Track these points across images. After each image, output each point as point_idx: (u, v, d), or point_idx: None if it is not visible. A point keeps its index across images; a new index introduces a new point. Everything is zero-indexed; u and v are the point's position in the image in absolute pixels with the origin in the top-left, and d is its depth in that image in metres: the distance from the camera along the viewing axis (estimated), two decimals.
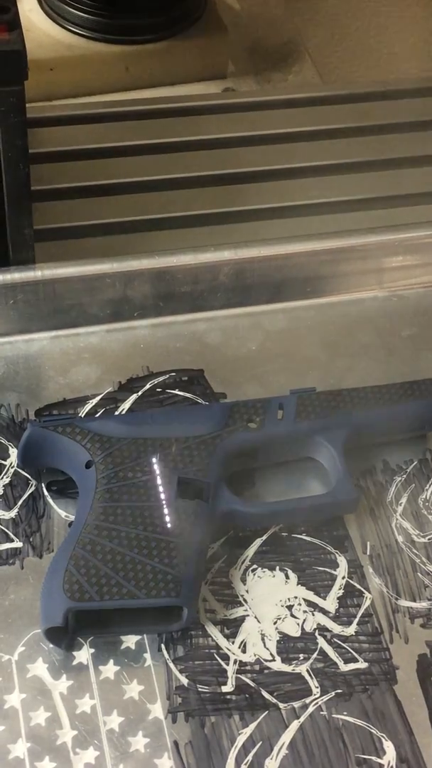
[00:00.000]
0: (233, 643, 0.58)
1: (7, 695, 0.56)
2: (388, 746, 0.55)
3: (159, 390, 0.70)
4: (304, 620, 0.60)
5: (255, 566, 0.62)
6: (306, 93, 0.96)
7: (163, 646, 0.58)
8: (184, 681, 0.57)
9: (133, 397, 0.70)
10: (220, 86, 1.01)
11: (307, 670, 0.58)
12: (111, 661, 0.57)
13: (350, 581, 0.62)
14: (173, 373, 0.72)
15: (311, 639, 0.59)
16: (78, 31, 0.98)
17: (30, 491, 0.64)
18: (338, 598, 0.61)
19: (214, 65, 1.01)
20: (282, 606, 0.60)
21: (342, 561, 0.62)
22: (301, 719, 0.56)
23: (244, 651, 0.58)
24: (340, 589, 0.61)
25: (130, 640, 0.58)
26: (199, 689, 0.56)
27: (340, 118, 0.92)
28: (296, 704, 0.56)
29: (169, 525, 0.59)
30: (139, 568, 0.57)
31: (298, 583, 0.61)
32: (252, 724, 0.55)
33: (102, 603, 0.56)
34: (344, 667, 0.58)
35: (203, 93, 0.99)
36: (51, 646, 0.57)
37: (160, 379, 0.71)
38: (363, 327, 0.76)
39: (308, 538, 0.63)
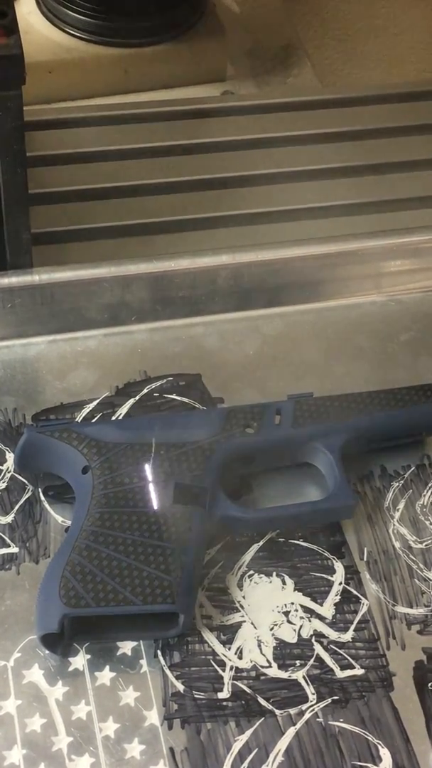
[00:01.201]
0: (229, 649, 0.58)
1: (3, 701, 0.56)
2: (385, 753, 0.55)
3: (156, 395, 0.70)
4: (301, 626, 0.59)
5: (252, 572, 0.62)
6: (305, 96, 0.96)
7: (159, 652, 0.58)
8: (180, 687, 0.57)
9: (131, 401, 0.70)
10: (219, 89, 1.01)
11: (304, 677, 0.58)
12: (107, 668, 0.57)
13: (347, 587, 0.61)
14: (170, 378, 0.71)
15: (308, 645, 0.59)
16: (77, 34, 0.98)
17: (26, 496, 0.64)
18: (335, 605, 0.61)
19: (213, 68, 1.01)
20: (278, 612, 0.60)
21: (339, 567, 0.62)
22: (297, 726, 0.56)
23: (240, 657, 0.58)
24: (336, 595, 0.61)
25: (126, 647, 0.58)
26: (195, 696, 0.56)
27: (340, 122, 0.92)
28: (292, 711, 0.56)
29: (165, 531, 0.58)
30: (135, 574, 0.57)
31: (294, 589, 0.61)
32: (248, 731, 0.55)
33: (98, 609, 0.56)
34: (341, 674, 0.58)
35: (202, 96, 0.98)
36: (47, 652, 0.57)
37: (158, 383, 0.71)
38: (361, 331, 0.76)
39: (305, 544, 0.63)
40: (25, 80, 0.60)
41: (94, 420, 0.68)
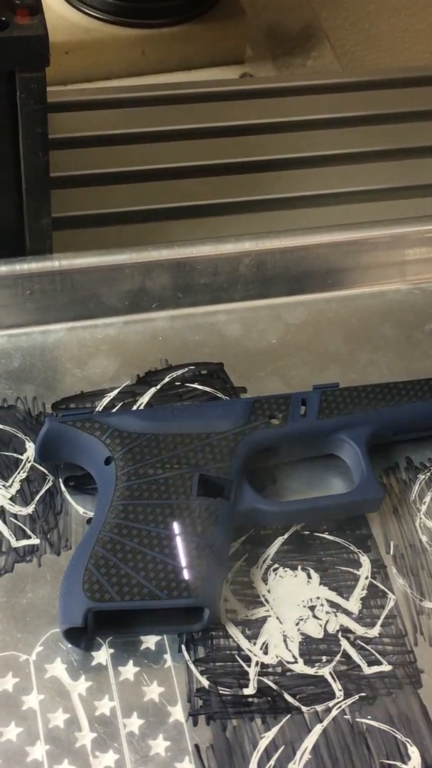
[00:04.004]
0: (255, 644, 0.57)
1: (25, 696, 0.55)
2: (413, 752, 0.54)
3: (178, 384, 0.69)
4: (327, 621, 0.59)
5: (276, 565, 0.61)
6: (325, 79, 0.94)
7: (183, 647, 0.57)
8: (205, 683, 0.56)
9: (152, 390, 0.69)
10: (238, 71, 0.99)
11: (330, 673, 0.57)
12: (130, 662, 0.56)
13: (373, 582, 0.60)
14: (192, 367, 0.70)
15: (334, 641, 0.58)
16: (94, 14, 0.97)
17: (47, 486, 0.63)
18: (361, 599, 0.60)
19: (231, 50, 1.00)
20: (304, 606, 0.59)
21: (365, 561, 0.61)
22: (324, 723, 0.55)
23: (265, 652, 0.57)
24: (363, 589, 0.60)
25: (149, 641, 0.57)
26: (221, 691, 0.55)
27: (361, 105, 0.90)
28: (319, 708, 0.55)
29: (190, 524, 0.57)
30: (160, 567, 0.56)
31: (320, 583, 0.60)
32: (274, 728, 0.54)
33: (123, 603, 0.55)
34: (368, 670, 0.57)
35: (220, 78, 0.97)
36: (69, 646, 0.56)
37: (180, 372, 0.70)
38: (385, 320, 0.75)
39: (331, 537, 0.62)
40: (49, 61, 0.59)
41: (115, 409, 0.67)
